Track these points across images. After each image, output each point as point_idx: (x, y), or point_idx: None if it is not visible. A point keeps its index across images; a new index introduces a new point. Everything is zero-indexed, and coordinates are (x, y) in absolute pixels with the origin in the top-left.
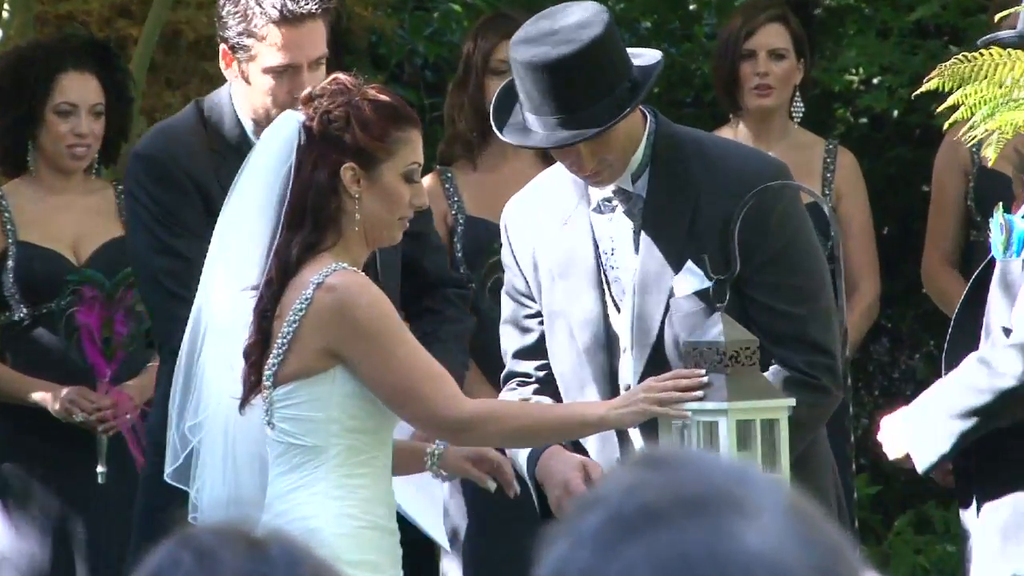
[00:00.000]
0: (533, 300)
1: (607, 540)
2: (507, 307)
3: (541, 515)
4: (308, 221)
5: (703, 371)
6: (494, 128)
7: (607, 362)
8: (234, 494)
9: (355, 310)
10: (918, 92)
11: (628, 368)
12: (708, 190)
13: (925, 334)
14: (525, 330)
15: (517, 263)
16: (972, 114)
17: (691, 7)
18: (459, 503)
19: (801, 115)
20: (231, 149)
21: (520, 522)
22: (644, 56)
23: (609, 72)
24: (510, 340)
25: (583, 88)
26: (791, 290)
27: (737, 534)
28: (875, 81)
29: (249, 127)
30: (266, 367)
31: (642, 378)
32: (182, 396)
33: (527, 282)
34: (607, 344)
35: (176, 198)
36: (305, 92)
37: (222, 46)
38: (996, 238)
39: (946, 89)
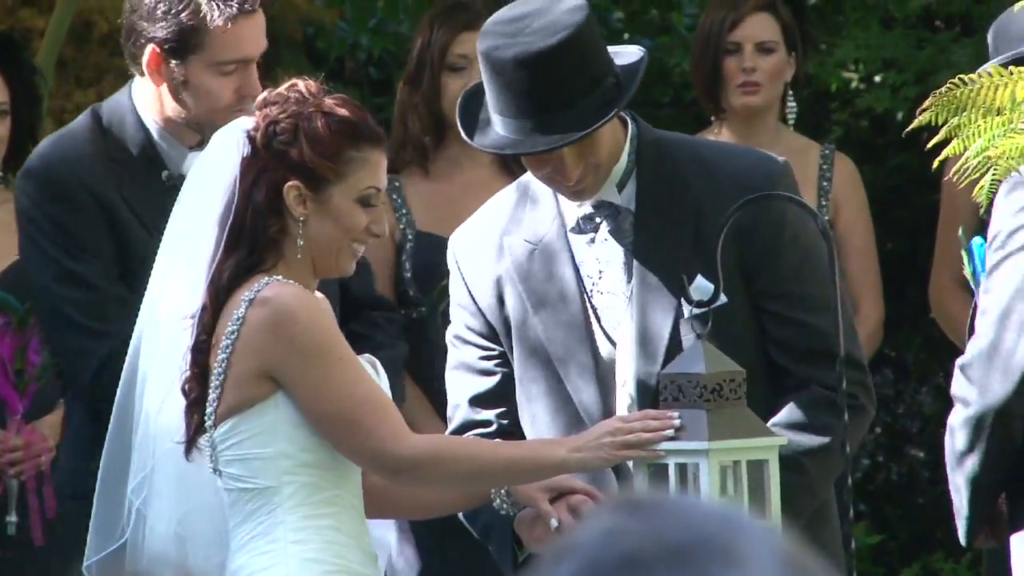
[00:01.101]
0: (494, 342)
1: None
2: (458, 351)
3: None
4: (245, 242)
5: (676, 413)
6: (464, 136)
7: (601, 400)
8: (182, 554)
9: (291, 324)
10: (909, 129)
11: (625, 405)
12: (712, 196)
13: (934, 364)
14: (484, 373)
15: (475, 301)
16: (967, 147)
17: None
18: (410, 556)
19: (795, 116)
20: (134, 158)
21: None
22: (623, 54)
23: (593, 68)
24: (464, 386)
25: (566, 86)
26: (817, 301)
27: None
28: (877, 78)
29: (155, 132)
30: (208, 404)
31: None
32: (117, 452)
33: (487, 322)
34: (600, 380)
35: (76, 217)
36: (260, 96)
37: (149, 47)
38: (967, 267)
39: (939, 122)
